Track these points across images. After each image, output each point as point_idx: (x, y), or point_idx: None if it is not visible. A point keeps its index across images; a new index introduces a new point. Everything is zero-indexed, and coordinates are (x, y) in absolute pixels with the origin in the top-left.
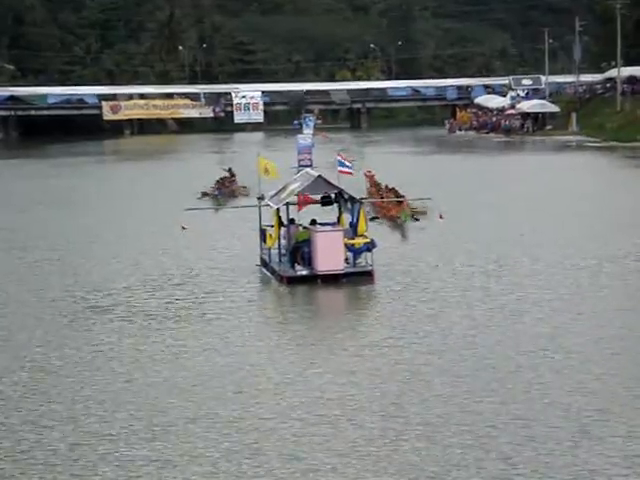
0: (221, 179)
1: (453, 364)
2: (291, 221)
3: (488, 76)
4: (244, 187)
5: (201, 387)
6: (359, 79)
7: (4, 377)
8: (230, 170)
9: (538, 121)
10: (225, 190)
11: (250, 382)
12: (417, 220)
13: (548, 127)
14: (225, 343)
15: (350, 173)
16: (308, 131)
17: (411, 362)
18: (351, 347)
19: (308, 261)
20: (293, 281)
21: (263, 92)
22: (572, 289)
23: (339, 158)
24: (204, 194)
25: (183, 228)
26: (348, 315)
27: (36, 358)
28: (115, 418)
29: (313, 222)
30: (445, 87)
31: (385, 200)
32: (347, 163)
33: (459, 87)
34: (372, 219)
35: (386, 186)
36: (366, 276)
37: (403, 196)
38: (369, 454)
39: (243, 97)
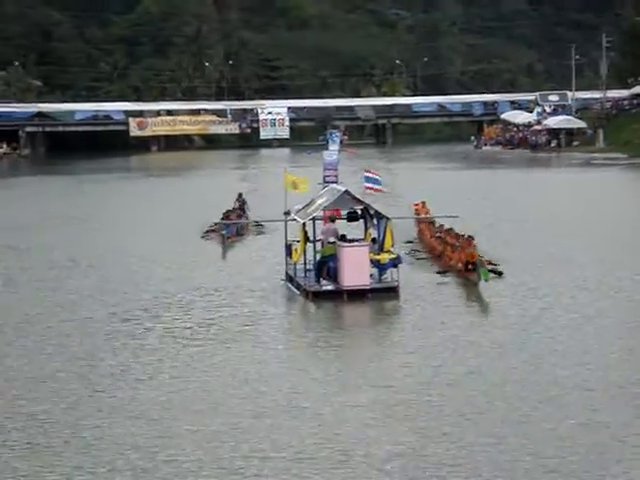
0: (228, 212)
1: (475, 387)
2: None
3: (514, 92)
4: (257, 223)
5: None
6: (385, 95)
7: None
8: (240, 197)
9: (565, 137)
10: (232, 227)
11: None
12: (500, 274)
13: (575, 143)
14: (256, 366)
15: (380, 190)
16: (334, 147)
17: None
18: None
19: (334, 276)
20: (319, 296)
21: (289, 108)
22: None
23: (367, 174)
24: (208, 232)
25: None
26: (374, 334)
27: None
28: None
29: (343, 237)
30: (471, 103)
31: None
32: (376, 177)
33: (485, 103)
34: (439, 273)
35: (442, 226)
36: (391, 292)
37: (471, 237)
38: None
39: (269, 113)
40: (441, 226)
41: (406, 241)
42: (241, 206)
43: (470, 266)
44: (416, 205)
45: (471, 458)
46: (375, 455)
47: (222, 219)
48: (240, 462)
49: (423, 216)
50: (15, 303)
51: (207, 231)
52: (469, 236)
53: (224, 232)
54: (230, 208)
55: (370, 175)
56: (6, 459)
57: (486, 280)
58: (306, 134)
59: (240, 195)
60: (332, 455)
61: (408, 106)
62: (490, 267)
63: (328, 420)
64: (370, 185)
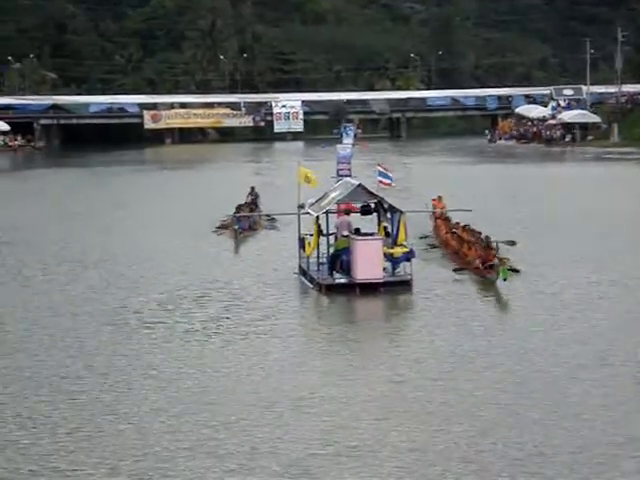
0: (240, 206)
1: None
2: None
3: (529, 86)
4: (269, 217)
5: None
6: (399, 89)
7: None
8: (253, 191)
9: (579, 131)
10: (245, 221)
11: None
12: (517, 271)
13: (589, 138)
14: (270, 362)
15: (389, 184)
16: (348, 141)
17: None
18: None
19: (347, 270)
20: (331, 289)
21: (303, 101)
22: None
23: (379, 169)
24: (221, 227)
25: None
26: (386, 328)
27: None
28: None
29: (357, 231)
30: (485, 97)
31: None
32: (388, 174)
33: (499, 97)
34: (455, 270)
35: (457, 223)
36: (404, 286)
37: (489, 242)
38: None
39: (283, 106)
40: (457, 223)
41: (421, 236)
42: (254, 200)
43: (488, 265)
44: (434, 200)
45: (481, 454)
46: (385, 450)
47: (235, 213)
48: (250, 456)
49: (438, 210)
50: (29, 297)
51: (219, 227)
52: (487, 241)
53: (236, 227)
54: (242, 202)
55: (383, 169)
56: (10, 455)
57: (505, 279)
58: (320, 127)
59: (253, 189)
60: (342, 450)
61: (422, 100)
62: (509, 267)
63: (339, 414)
64: (383, 179)
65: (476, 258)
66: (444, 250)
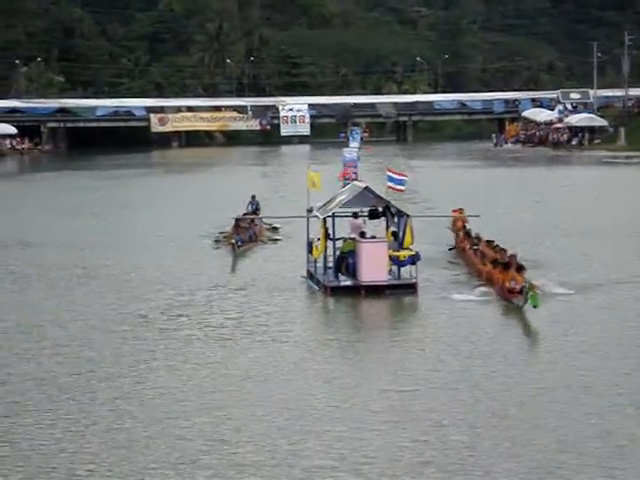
0: (239, 218)
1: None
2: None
3: (535, 90)
4: (272, 227)
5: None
6: (406, 92)
7: None
8: (253, 200)
9: (586, 135)
10: (245, 233)
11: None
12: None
13: (596, 141)
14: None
15: (401, 190)
16: (355, 144)
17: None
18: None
19: (353, 272)
20: (337, 291)
21: (310, 105)
22: None
23: (389, 173)
24: (219, 240)
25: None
26: (391, 334)
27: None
28: None
29: (362, 234)
30: (492, 100)
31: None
32: (399, 178)
33: (506, 100)
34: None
35: (477, 237)
36: (410, 289)
37: (519, 262)
38: None
39: (290, 110)
40: (477, 237)
41: (446, 249)
42: (254, 210)
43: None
44: (454, 211)
45: (486, 467)
46: (391, 464)
47: (234, 225)
48: (254, 470)
49: (457, 219)
50: (37, 302)
51: (217, 240)
52: (519, 266)
53: (233, 240)
54: (242, 213)
55: (392, 174)
56: None
57: (535, 306)
58: (327, 131)
59: (253, 197)
60: (347, 467)
61: (429, 103)
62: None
63: (345, 424)
64: (392, 185)
65: (501, 280)
66: (467, 269)
